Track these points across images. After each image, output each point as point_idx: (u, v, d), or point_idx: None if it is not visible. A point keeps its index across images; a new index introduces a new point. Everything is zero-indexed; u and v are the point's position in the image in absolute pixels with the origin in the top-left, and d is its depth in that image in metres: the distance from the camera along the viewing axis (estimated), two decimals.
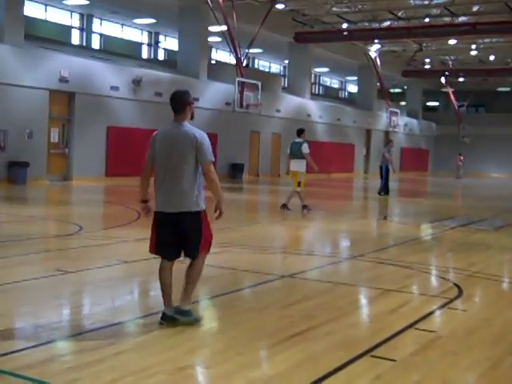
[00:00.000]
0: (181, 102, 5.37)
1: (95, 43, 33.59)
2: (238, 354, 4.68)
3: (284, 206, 15.16)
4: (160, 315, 5.33)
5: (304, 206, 15.05)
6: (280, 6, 30.03)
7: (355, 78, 47.58)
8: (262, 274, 7.77)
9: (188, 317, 5.34)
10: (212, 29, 29.36)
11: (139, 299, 6.69)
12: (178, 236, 5.36)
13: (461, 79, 49.27)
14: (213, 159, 5.35)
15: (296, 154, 14.87)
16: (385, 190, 21.88)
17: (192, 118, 5.46)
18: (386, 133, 44.94)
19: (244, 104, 27.24)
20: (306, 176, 15.20)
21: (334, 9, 32.29)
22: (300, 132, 15.27)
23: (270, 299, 6.51)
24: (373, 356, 4.73)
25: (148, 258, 8.24)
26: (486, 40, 37.96)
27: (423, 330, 5.50)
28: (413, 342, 5.17)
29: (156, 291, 7.03)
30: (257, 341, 5.06)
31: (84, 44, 32.70)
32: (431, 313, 6.19)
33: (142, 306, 6.28)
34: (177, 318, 5.29)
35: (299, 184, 15.02)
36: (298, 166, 14.92)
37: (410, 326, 5.57)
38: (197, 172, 5.31)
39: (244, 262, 8.56)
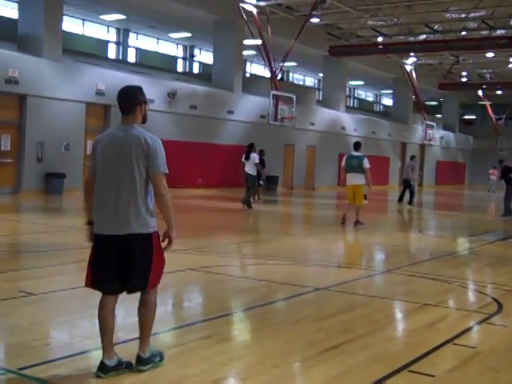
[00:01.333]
0: (129, 101, 4.42)
1: (131, 57, 34.04)
2: (274, 366, 4.63)
3: (357, 222, 14.72)
4: (98, 365, 4.29)
5: (357, 222, 14.75)
6: (315, 20, 30.06)
7: (390, 91, 47.34)
8: (297, 286, 7.72)
9: (152, 362, 4.43)
10: (247, 42, 29.51)
11: (174, 310, 6.68)
12: (123, 264, 4.30)
13: (498, 92, 48.67)
14: (166, 171, 4.39)
15: (355, 167, 14.65)
16: (410, 200, 22.85)
17: (144, 120, 4.51)
18: (422, 146, 44.56)
19: (279, 117, 27.28)
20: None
21: (369, 22, 32.24)
22: (358, 146, 15.25)
23: (305, 312, 6.45)
24: (411, 371, 4.64)
25: (181, 270, 8.29)
26: None
27: (462, 345, 5.38)
28: (451, 357, 5.07)
29: (190, 302, 7.06)
30: (293, 353, 5.01)
31: (120, 58, 33.16)
32: (470, 328, 6.07)
33: (177, 317, 6.27)
34: (128, 369, 4.35)
35: (365, 197, 15.03)
36: (358, 179, 14.67)
37: (449, 341, 5.46)
38: (148, 185, 4.36)
39: (278, 274, 8.51)
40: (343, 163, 15.05)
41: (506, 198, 19.33)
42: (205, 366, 4.55)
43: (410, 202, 22.85)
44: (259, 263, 9.43)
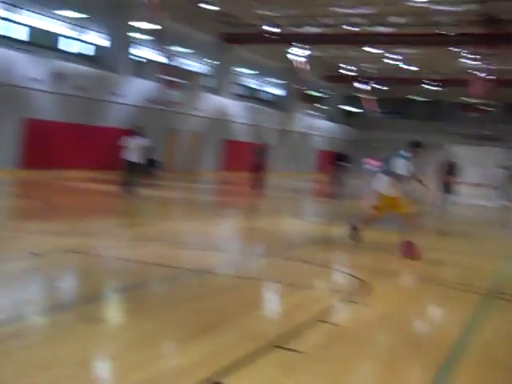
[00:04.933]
0: None
1: (18, 34, 32.56)
2: (149, 345, 4.74)
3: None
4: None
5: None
6: (208, 6, 30.08)
7: (278, 80, 48.14)
8: (174, 268, 7.82)
9: None
10: (139, 25, 29.08)
11: (48, 292, 6.59)
12: None
13: (379, 86, 50.71)
14: None
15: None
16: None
17: None
18: (305, 135, 45.79)
19: (167, 102, 27.17)
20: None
21: (261, 12, 32.62)
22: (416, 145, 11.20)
23: (180, 293, 6.58)
24: (279, 347, 4.89)
25: (58, 252, 8.19)
26: (404, 50, 39.27)
27: (329, 322, 5.72)
28: (318, 334, 5.37)
29: (65, 284, 7.00)
30: (167, 333, 5.13)
31: (7, 35, 31.64)
32: (337, 307, 6.45)
33: (51, 299, 6.18)
34: None
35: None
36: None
37: (317, 319, 5.78)
38: None
39: (156, 257, 8.53)
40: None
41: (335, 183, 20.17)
42: (78, 347, 4.58)
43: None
44: (137, 245, 9.43)
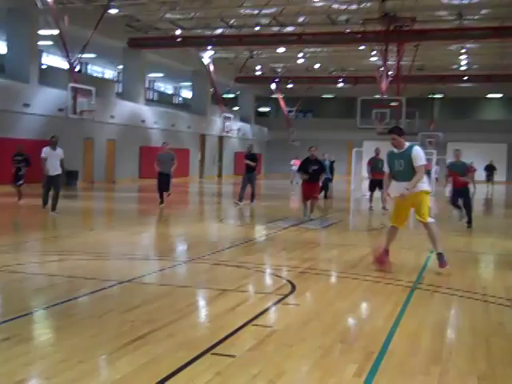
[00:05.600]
0: None
1: None
2: (79, 362, 4.65)
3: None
4: None
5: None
6: (113, 11, 29.66)
7: (189, 83, 48.01)
8: (100, 280, 7.70)
9: None
10: (42, 32, 28.32)
11: None
12: None
13: (290, 86, 51.42)
14: None
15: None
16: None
17: None
18: (220, 138, 45.85)
19: (78, 110, 26.60)
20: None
21: (168, 15, 32.46)
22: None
23: (109, 305, 6.48)
24: (213, 354, 4.91)
25: None
26: (312, 49, 40.02)
27: (260, 325, 5.78)
28: (251, 337, 5.41)
29: None
30: (98, 347, 5.05)
31: None
32: (267, 309, 6.50)
33: None
34: None
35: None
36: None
37: (248, 322, 5.82)
38: None
39: (81, 270, 8.39)
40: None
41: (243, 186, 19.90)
42: (5, 369, 4.45)
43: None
44: (61, 259, 9.24)
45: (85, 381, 4.30)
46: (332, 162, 25.14)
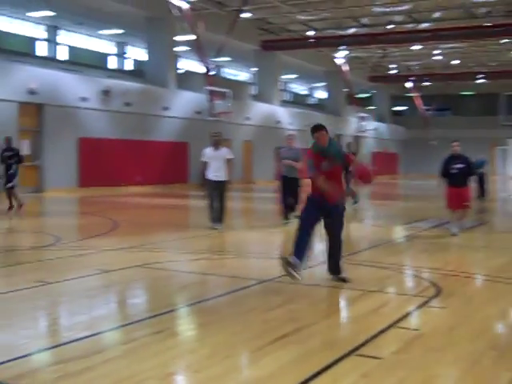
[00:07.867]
0: None
1: (61, 54, 33.36)
2: (225, 357, 4.72)
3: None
4: None
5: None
6: (246, 15, 30.23)
7: (323, 84, 47.96)
8: (243, 278, 7.81)
9: None
10: (179, 38, 29.40)
11: (122, 307, 6.68)
12: None
13: (426, 83, 49.99)
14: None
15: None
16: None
17: None
18: (356, 137, 45.38)
19: (214, 112, 27.33)
20: None
21: (299, 17, 32.61)
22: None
23: (252, 303, 6.54)
24: (358, 355, 4.80)
25: (127, 267, 8.29)
26: (448, 45, 38.67)
27: (405, 328, 5.60)
28: (396, 340, 5.25)
29: (138, 299, 7.06)
30: (243, 344, 5.10)
31: (50, 55, 32.46)
32: (411, 312, 6.30)
33: (123, 314, 6.27)
34: None
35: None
36: None
37: (392, 325, 5.66)
38: None
39: (223, 268, 8.60)
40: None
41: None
42: (157, 361, 4.59)
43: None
44: (203, 258, 9.49)
45: (231, 376, 4.36)
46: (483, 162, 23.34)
